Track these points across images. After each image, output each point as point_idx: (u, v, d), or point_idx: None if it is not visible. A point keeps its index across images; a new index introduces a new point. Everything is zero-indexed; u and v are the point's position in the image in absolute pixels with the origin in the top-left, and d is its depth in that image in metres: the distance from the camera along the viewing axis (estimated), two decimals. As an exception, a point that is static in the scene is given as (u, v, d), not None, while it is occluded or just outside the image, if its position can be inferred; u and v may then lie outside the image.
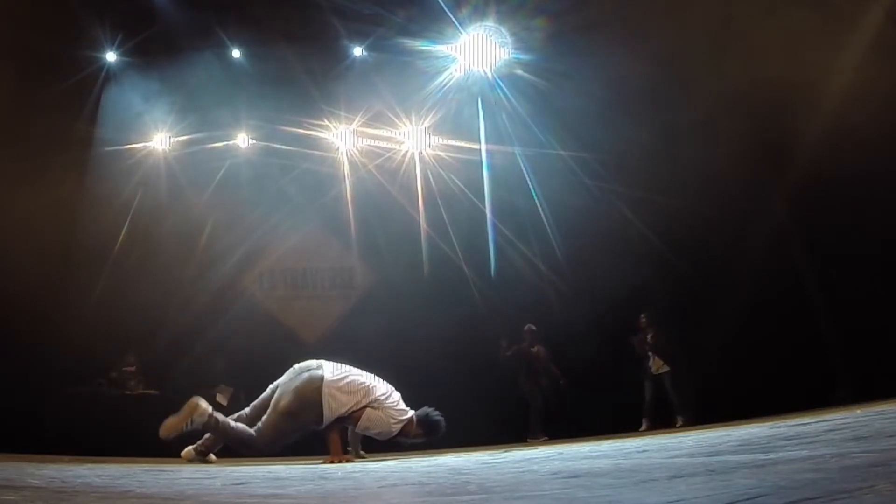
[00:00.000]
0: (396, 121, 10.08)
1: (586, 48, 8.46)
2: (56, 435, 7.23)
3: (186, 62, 8.93)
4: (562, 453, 3.54)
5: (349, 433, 5.01)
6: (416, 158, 10.38)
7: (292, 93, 9.50)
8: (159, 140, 9.94)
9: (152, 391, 8.85)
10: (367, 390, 4.73)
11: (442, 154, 10.35)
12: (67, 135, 9.01)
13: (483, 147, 10.07)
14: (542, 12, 8.67)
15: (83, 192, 9.34)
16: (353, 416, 4.69)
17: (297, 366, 4.92)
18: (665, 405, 8.52)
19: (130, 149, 9.79)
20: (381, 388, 4.82)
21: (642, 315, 8.82)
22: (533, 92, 9.46)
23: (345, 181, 10.39)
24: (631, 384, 8.72)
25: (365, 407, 4.69)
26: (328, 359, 4.98)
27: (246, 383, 9.24)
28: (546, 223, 9.68)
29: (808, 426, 3.38)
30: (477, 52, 9.43)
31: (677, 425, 8.02)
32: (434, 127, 10.20)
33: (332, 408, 4.63)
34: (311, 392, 4.66)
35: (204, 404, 4.59)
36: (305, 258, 10.71)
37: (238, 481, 2.67)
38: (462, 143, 10.20)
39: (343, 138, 10.33)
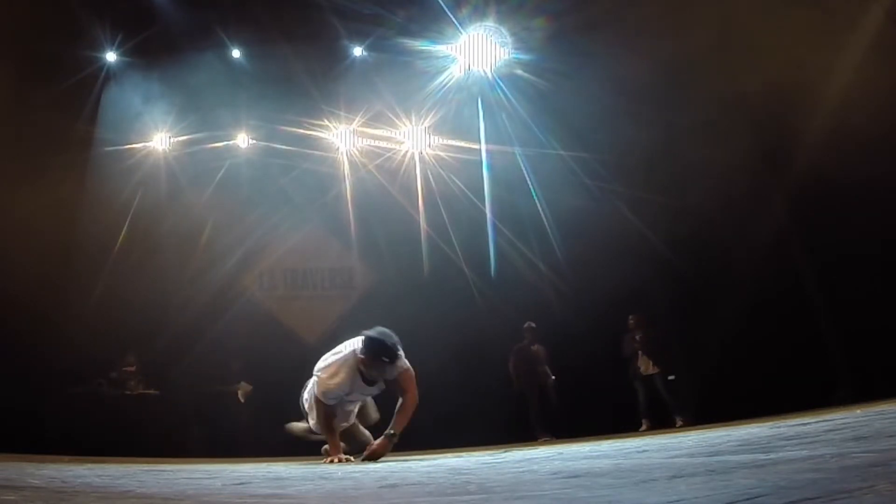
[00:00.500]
0: (396, 121, 10.08)
1: (586, 48, 8.47)
2: (56, 435, 7.24)
3: (186, 62, 8.93)
4: (562, 453, 3.54)
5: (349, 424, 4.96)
6: (416, 158, 10.38)
7: (292, 93, 9.51)
8: (159, 140, 9.94)
9: (152, 391, 8.86)
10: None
11: (442, 154, 10.35)
12: (67, 135, 9.01)
13: (483, 147, 10.08)
14: (542, 12, 8.67)
15: (83, 192, 9.35)
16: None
17: None
18: (661, 406, 8.52)
19: (130, 149, 9.80)
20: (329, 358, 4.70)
21: (630, 316, 8.83)
22: (533, 92, 9.46)
23: (345, 181, 10.40)
24: (631, 384, 8.73)
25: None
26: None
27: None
28: (546, 223, 9.68)
29: (808, 426, 3.38)
30: (477, 52, 9.43)
31: (677, 426, 8.02)
32: (434, 127, 10.21)
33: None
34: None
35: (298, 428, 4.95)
36: (305, 258, 10.71)
37: (238, 481, 2.67)
38: (462, 144, 10.21)
39: (343, 138, 10.33)
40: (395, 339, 4.52)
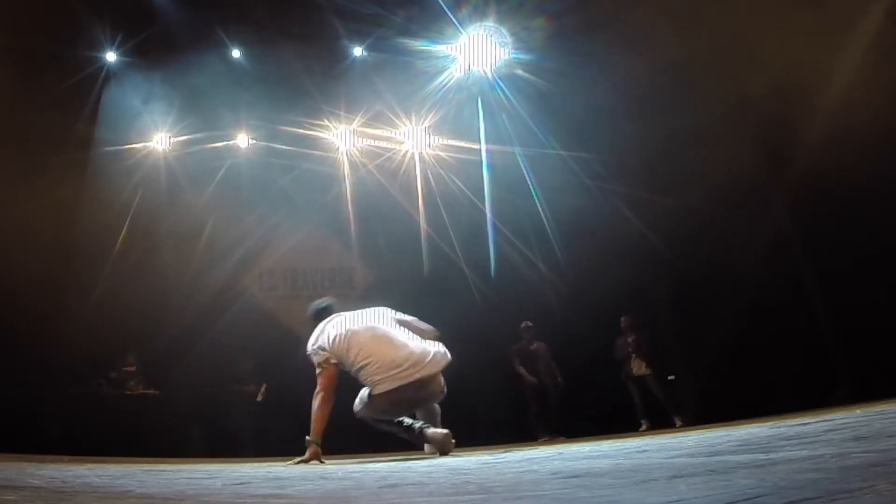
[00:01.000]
0: (396, 121, 10.09)
1: (586, 48, 8.48)
2: (56, 435, 7.24)
3: (186, 62, 8.93)
4: (562, 453, 3.53)
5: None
6: (416, 158, 10.39)
7: (292, 93, 9.51)
8: (159, 140, 9.95)
9: (152, 391, 8.85)
10: None
11: (442, 154, 10.36)
12: (67, 135, 9.01)
13: (483, 147, 10.08)
14: (542, 12, 8.68)
15: (83, 192, 9.34)
16: None
17: None
18: (656, 406, 8.52)
19: (130, 149, 9.81)
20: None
21: (622, 318, 8.83)
22: (533, 92, 9.46)
23: (345, 181, 10.40)
24: (625, 386, 8.72)
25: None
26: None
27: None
28: (546, 223, 9.68)
29: (808, 426, 3.37)
30: (477, 52, 9.44)
31: (676, 426, 8.02)
32: (434, 127, 10.21)
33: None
34: None
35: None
36: (305, 258, 10.71)
37: (238, 481, 2.67)
38: (462, 144, 10.22)
39: (343, 138, 10.33)
40: (327, 304, 5.08)
